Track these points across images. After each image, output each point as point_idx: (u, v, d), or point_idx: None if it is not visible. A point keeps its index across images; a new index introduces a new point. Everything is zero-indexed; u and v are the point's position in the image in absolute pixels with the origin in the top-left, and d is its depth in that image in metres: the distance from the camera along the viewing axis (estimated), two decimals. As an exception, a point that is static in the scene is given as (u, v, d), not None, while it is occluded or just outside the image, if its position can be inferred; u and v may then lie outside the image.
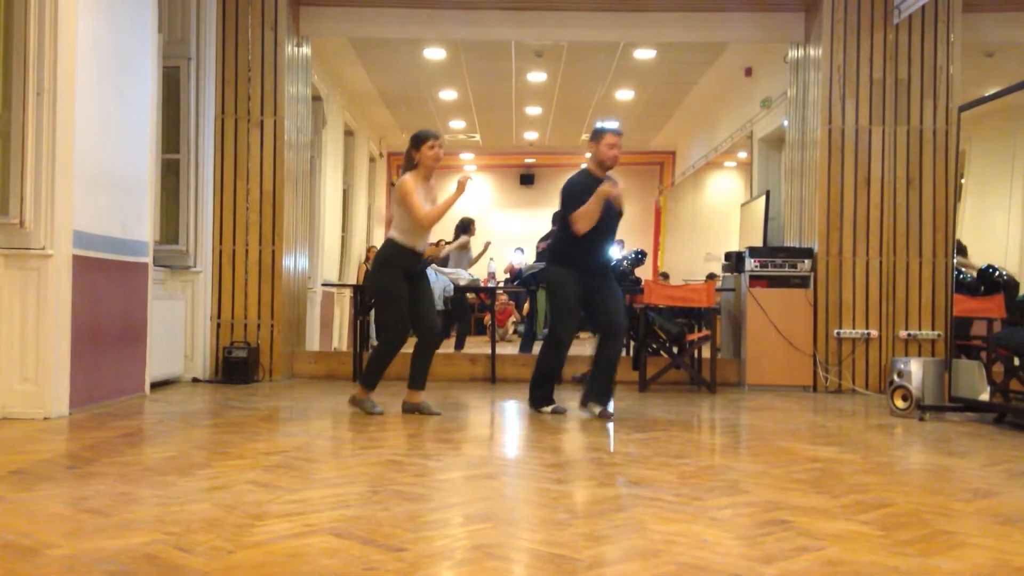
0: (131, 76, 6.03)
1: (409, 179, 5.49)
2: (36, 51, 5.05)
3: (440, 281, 8.11)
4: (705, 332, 7.44)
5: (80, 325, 5.30)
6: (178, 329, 7.15)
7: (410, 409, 5.57)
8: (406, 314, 5.45)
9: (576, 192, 5.64)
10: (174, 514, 2.86)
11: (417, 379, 5.57)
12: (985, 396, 5.72)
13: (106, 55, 5.67)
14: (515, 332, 13.14)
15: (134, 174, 6.07)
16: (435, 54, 10.58)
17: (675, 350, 7.52)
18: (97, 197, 5.54)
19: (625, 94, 12.49)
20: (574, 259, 5.60)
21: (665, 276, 14.65)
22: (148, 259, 6.23)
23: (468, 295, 9.66)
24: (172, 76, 7.28)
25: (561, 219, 5.70)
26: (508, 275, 13.98)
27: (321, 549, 2.49)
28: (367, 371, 5.60)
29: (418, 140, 5.53)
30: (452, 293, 8.26)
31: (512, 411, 5.98)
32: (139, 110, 6.14)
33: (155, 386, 6.54)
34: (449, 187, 5.61)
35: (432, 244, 14.91)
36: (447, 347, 12.64)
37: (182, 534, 2.62)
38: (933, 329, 7.56)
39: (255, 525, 2.74)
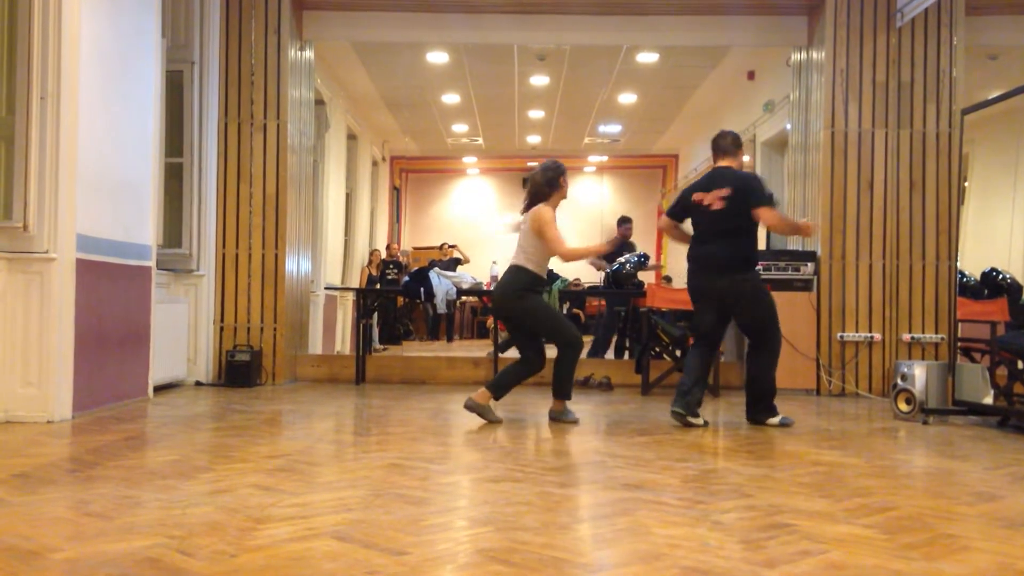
0: (134, 80, 6.04)
1: (549, 209, 5.51)
2: (40, 55, 5.07)
3: (443, 284, 8.11)
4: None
5: (83, 329, 5.30)
6: (181, 333, 7.15)
7: (554, 416, 5.57)
8: (564, 317, 5.74)
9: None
10: (176, 518, 2.86)
11: (561, 389, 5.56)
12: (989, 399, 5.70)
13: (109, 59, 5.68)
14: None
15: (137, 178, 6.08)
16: (438, 58, 10.59)
17: (678, 353, 7.51)
18: (100, 201, 5.55)
19: (628, 97, 12.49)
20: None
21: (668, 279, 14.64)
22: (151, 263, 6.24)
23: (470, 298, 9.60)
24: (175, 80, 7.29)
25: (747, 217, 5.43)
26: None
27: (323, 553, 2.49)
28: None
29: (561, 171, 5.59)
30: (455, 296, 8.26)
31: (514, 414, 5.96)
32: (142, 114, 6.16)
33: (158, 390, 6.55)
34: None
35: (450, 246, 14.97)
36: (446, 350, 12.68)
37: (184, 538, 2.62)
38: (936, 332, 7.55)
39: (257, 529, 2.74)
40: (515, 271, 5.52)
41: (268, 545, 2.57)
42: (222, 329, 7.61)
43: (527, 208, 5.56)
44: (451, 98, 12.64)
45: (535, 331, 5.61)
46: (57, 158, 5.11)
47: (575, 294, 10.79)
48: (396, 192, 17.67)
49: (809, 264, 7.65)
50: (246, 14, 7.63)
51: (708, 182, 5.55)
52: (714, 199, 5.43)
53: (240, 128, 7.65)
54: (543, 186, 5.54)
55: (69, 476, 3.61)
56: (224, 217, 7.62)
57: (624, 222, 10.29)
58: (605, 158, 17.76)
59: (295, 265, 7.97)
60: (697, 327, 5.73)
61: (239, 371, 7.33)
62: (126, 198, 5.92)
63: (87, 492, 3.24)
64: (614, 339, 9.85)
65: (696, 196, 5.54)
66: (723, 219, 5.41)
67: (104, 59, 5.60)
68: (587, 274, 14.16)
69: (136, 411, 5.64)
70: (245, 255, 7.63)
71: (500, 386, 5.49)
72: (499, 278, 5.70)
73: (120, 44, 5.85)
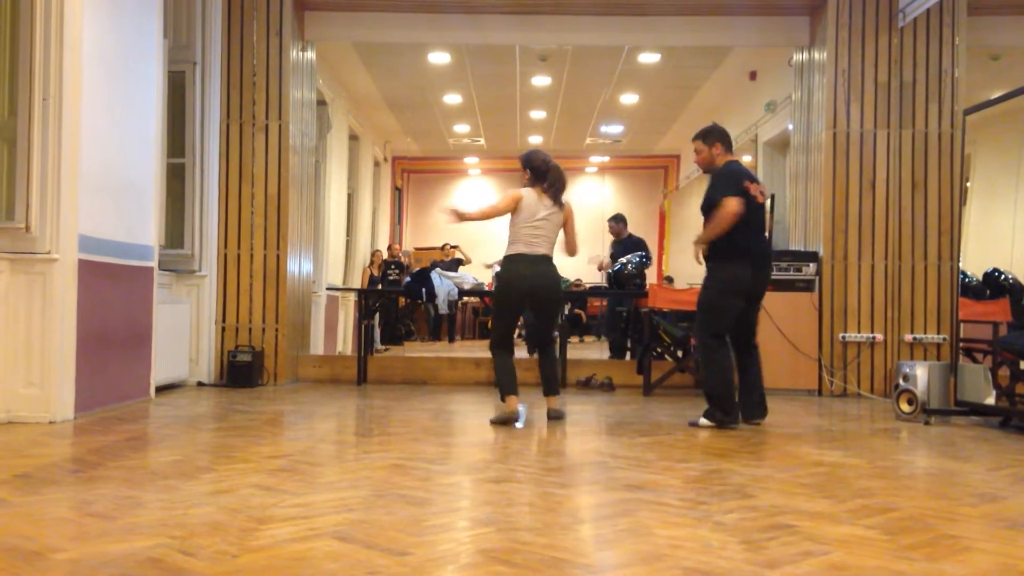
0: (136, 81, 6.05)
1: None
2: (42, 57, 5.07)
3: (444, 285, 8.11)
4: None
5: (85, 329, 5.31)
6: (183, 333, 7.16)
7: (556, 415, 5.64)
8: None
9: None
10: (178, 518, 2.87)
11: (557, 385, 5.71)
12: (991, 400, 5.70)
13: (111, 60, 5.69)
14: (519, 335, 13.12)
15: (139, 178, 6.09)
16: (439, 58, 10.60)
17: (679, 354, 7.51)
18: (102, 201, 5.56)
19: (629, 98, 12.49)
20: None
21: (670, 280, 14.64)
22: (153, 263, 6.25)
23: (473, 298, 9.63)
24: (177, 81, 7.29)
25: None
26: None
27: (325, 553, 2.50)
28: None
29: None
30: (457, 297, 8.26)
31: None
32: (144, 115, 6.16)
33: (160, 390, 6.56)
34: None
35: (451, 246, 14.96)
36: (448, 350, 12.68)
37: (186, 538, 2.63)
38: (938, 333, 7.54)
39: (259, 529, 2.74)
40: (551, 262, 5.55)
41: (270, 545, 2.57)
42: (224, 329, 7.61)
43: (557, 199, 5.56)
44: (453, 98, 12.65)
45: (552, 321, 5.70)
46: (59, 159, 5.11)
47: (576, 294, 10.78)
48: (398, 192, 17.67)
49: (811, 264, 7.65)
50: (248, 15, 7.64)
51: (750, 175, 5.52)
52: (759, 192, 5.45)
53: (242, 129, 7.65)
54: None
55: (71, 476, 3.61)
56: (226, 218, 7.63)
57: (614, 220, 10.29)
58: (607, 158, 17.76)
59: (297, 266, 7.98)
60: (729, 325, 5.49)
61: (241, 371, 7.33)
62: (128, 199, 5.92)
63: (89, 492, 3.25)
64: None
65: (749, 185, 5.38)
66: (764, 214, 5.56)
67: (106, 60, 5.61)
68: (588, 274, 14.16)
69: (138, 411, 5.64)
70: (247, 256, 7.63)
71: (512, 384, 5.52)
72: (532, 267, 5.48)
73: (122, 45, 5.85)
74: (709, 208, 5.41)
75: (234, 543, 2.58)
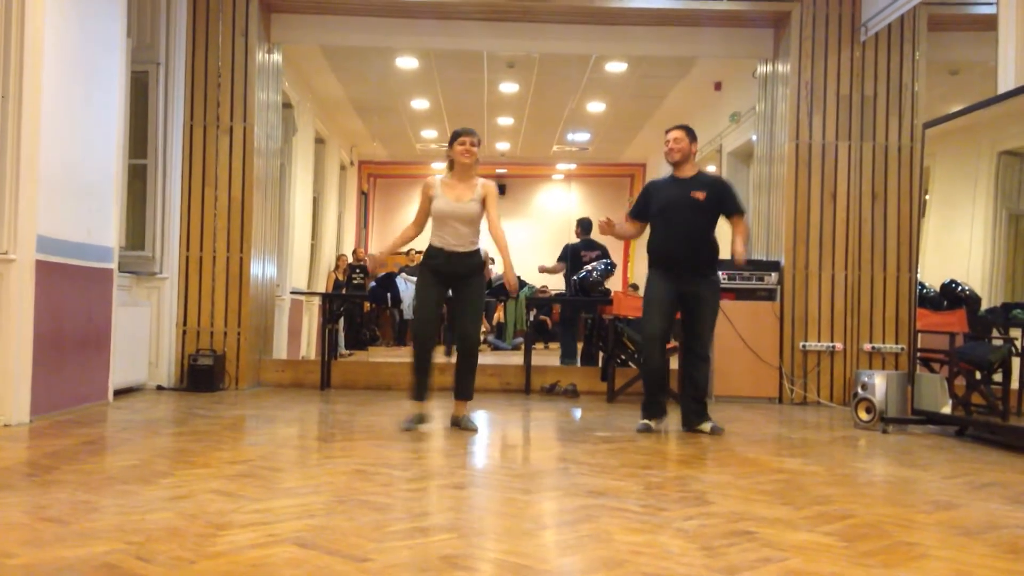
0: (99, 80, 5.97)
1: (429, 179, 5.45)
2: (2, 55, 4.99)
3: (409, 290, 8.09)
4: (673, 343, 7.46)
5: (42, 331, 5.22)
6: (143, 336, 7.06)
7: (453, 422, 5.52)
8: (424, 314, 5.43)
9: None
10: (135, 523, 2.83)
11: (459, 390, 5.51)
12: (947, 409, 5.80)
13: (73, 59, 5.61)
14: (485, 341, 13.11)
15: (100, 179, 6.00)
16: (407, 63, 10.58)
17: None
18: (62, 202, 5.47)
19: (596, 106, 12.57)
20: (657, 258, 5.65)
21: (635, 287, 14.72)
22: (113, 265, 6.16)
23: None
24: (140, 81, 7.21)
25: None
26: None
27: (285, 559, 2.47)
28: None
29: (451, 137, 5.46)
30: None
31: (480, 421, 5.95)
32: (106, 115, 6.08)
33: (119, 393, 6.46)
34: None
35: (417, 252, 14.93)
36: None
37: (143, 544, 2.59)
38: (897, 343, 7.66)
39: (218, 535, 2.71)
40: (472, 255, 5.37)
41: (228, 551, 2.54)
42: (185, 333, 7.52)
43: (467, 184, 5.39)
44: (420, 103, 12.64)
45: (470, 312, 5.48)
46: (18, 158, 5.03)
47: (541, 301, 10.79)
48: (364, 197, 17.60)
49: (773, 274, 7.74)
50: (213, 16, 7.57)
51: None
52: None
53: (206, 130, 7.57)
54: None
55: (26, 480, 3.55)
56: (188, 220, 7.54)
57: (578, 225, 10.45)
58: (574, 166, 17.84)
59: (260, 269, 7.91)
60: (648, 327, 5.71)
61: (202, 375, 7.25)
62: (89, 199, 5.84)
63: (44, 497, 3.19)
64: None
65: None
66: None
67: (68, 59, 5.53)
68: (554, 281, 14.17)
69: (95, 415, 5.56)
70: (209, 258, 7.55)
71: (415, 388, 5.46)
72: (448, 258, 5.31)
73: (84, 44, 5.77)
74: (730, 215, 5.63)
75: (192, 549, 2.55)
